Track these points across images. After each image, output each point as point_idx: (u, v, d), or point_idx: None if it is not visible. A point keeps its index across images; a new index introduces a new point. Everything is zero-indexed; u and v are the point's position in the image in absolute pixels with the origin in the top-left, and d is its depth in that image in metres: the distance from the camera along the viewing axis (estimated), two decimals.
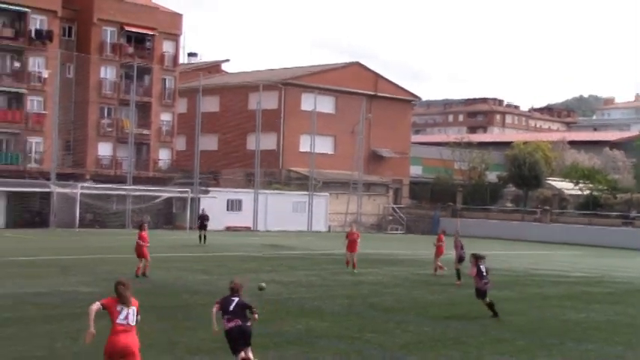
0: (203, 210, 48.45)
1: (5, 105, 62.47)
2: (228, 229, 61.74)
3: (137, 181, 61.79)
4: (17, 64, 62.37)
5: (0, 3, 60.49)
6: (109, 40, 66.77)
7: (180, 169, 69.92)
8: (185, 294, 21.99)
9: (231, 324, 12.26)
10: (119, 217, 57.12)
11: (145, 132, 67.70)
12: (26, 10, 61.69)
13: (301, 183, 71.48)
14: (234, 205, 64.74)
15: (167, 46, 70.84)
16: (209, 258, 35.13)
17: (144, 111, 68.15)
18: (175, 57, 71.94)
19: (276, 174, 74.03)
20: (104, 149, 66.72)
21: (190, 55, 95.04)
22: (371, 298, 22.78)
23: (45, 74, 62.30)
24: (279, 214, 65.58)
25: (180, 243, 43.12)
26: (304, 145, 72.91)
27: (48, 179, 56.31)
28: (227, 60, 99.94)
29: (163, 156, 70.42)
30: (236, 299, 12.39)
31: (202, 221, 44.53)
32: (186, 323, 17.13)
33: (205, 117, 68.58)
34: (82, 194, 55.79)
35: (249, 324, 12.26)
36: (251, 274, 28.11)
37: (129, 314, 10.17)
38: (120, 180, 62.02)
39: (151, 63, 68.70)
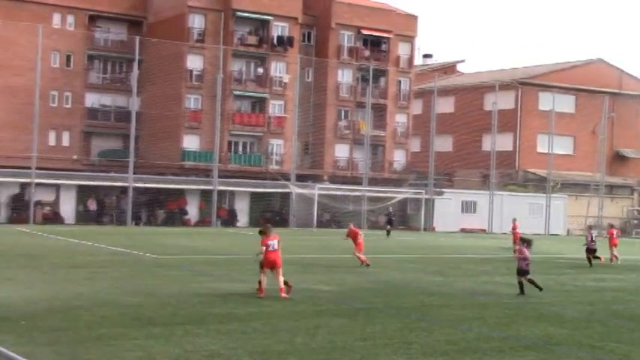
0: (390, 209, 54.85)
1: (249, 109, 65.73)
2: (462, 230, 61.28)
3: (372, 182, 62.81)
4: (260, 70, 65.37)
5: (246, 12, 63.65)
6: (346, 44, 68.35)
7: (415, 170, 70.26)
8: (421, 295, 21.99)
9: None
10: (355, 217, 58.24)
11: (381, 133, 68.62)
12: (269, 18, 64.53)
13: (538, 184, 69.60)
14: (468, 207, 64.19)
15: (402, 48, 71.34)
16: (443, 260, 35.01)
17: (379, 113, 69.14)
18: (410, 59, 72.29)
19: (512, 175, 72.62)
20: (341, 151, 68.31)
21: (425, 56, 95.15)
22: (614, 305, 21.68)
23: (285, 79, 64.92)
24: (515, 216, 64.09)
25: (415, 244, 43.28)
26: (542, 145, 70.98)
27: (287, 180, 58.54)
28: (462, 60, 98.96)
29: (398, 157, 70.99)
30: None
31: (390, 219, 52.49)
32: (422, 324, 17.11)
33: (440, 118, 68.48)
34: (319, 195, 57.54)
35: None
36: (486, 277, 27.72)
37: (274, 243, 19.53)
38: (356, 181, 63.32)
39: (387, 65, 69.53)
